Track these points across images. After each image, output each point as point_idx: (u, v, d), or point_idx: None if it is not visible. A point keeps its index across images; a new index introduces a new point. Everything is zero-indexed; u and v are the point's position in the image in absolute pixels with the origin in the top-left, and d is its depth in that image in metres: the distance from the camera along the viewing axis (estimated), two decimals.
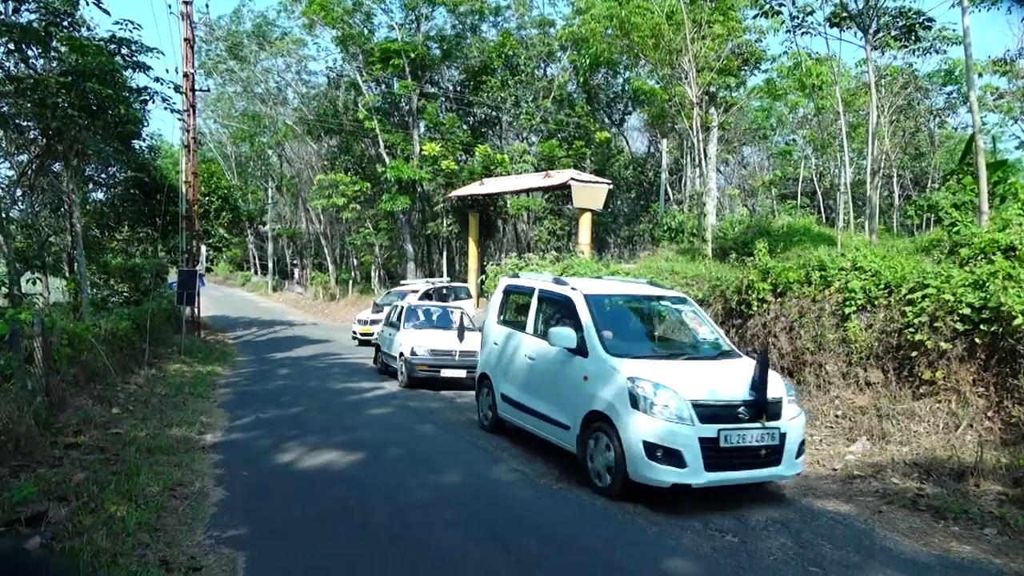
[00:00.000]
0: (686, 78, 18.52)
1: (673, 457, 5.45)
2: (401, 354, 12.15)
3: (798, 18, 14.87)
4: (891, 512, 5.68)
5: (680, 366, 6.23)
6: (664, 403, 5.57)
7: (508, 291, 8.69)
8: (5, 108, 13.09)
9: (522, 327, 7.89)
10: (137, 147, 18.06)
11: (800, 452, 5.92)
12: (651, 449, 5.50)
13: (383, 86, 31.01)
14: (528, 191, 25.07)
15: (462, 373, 11.73)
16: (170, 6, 21.58)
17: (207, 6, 49.38)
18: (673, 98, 21.72)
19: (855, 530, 5.29)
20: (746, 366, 6.16)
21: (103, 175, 19.59)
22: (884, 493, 6.13)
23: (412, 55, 27.53)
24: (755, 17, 16.41)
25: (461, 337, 11.55)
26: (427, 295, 19.61)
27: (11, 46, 12.41)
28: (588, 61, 27.82)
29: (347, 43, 29.24)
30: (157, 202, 19.24)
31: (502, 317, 8.59)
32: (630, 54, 23.24)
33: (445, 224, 30.03)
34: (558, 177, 21.82)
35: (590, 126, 29.35)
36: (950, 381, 7.25)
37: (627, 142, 34.81)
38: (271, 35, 33.55)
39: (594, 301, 6.89)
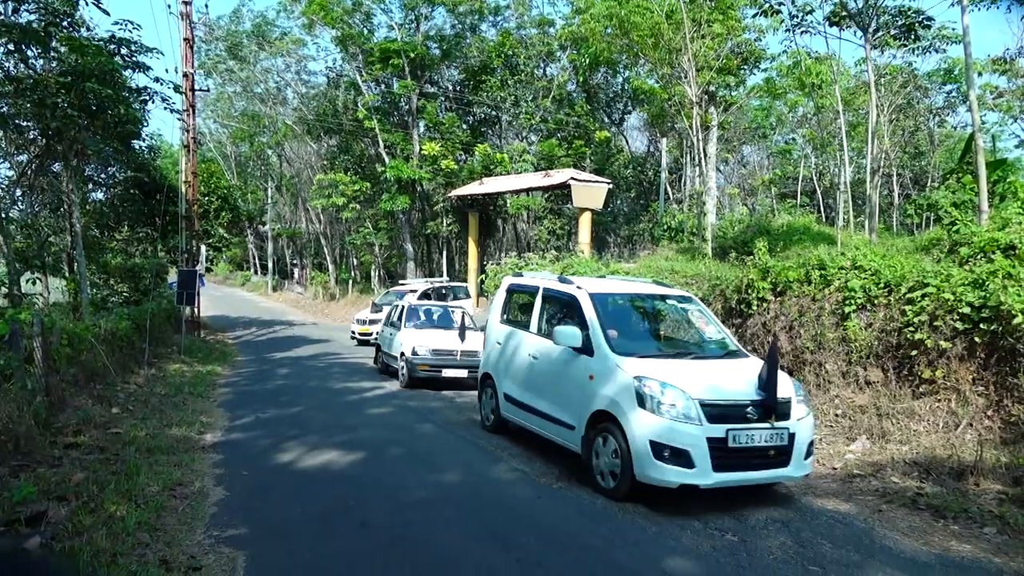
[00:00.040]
0: (686, 77, 18.52)
1: (681, 457, 5.39)
2: (402, 354, 12.12)
3: (797, 17, 14.86)
4: (891, 511, 5.68)
5: (687, 365, 6.17)
6: (671, 402, 5.51)
7: (511, 290, 8.62)
8: (5, 108, 13.10)
9: (526, 326, 7.83)
10: (137, 147, 18.08)
11: (809, 453, 5.86)
12: (658, 449, 5.44)
13: (383, 86, 31.01)
14: (528, 190, 25.06)
15: (464, 373, 11.70)
16: (169, 6, 21.63)
17: (206, 6, 49.58)
18: (673, 97, 21.71)
19: (855, 529, 5.29)
20: (754, 366, 6.11)
21: (103, 175, 19.61)
22: (884, 492, 6.13)
23: (412, 55, 27.53)
24: (754, 16, 16.39)
25: (462, 337, 11.54)
26: (426, 295, 19.60)
27: (11, 46, 12.42)
28: (588, 60, 27.81)
29: (347, 43, 29.24)
30: (157, 202, 19.24)
31: (505, 316, 8.52)
32: (630, 53, 23.23)
33: (445, 224, 30.03)
34: (558, 176, 21.82)
35: (590, 125, 29.34)
36: (950, 380, 7.25)
37: (627, 141, 34.82)
38: (270, 35, 33.54)
39: (599, 300, 6.84)
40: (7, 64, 12.96)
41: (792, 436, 5.66)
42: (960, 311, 7.26)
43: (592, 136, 29.01)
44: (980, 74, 19.56)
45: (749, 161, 36.60)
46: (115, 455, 6.43)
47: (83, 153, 14.69)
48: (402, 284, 23.62)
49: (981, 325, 7.09)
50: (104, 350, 9.76)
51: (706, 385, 5.71)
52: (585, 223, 20.84)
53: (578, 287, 7.11)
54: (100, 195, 20.70)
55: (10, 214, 15.39)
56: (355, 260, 36.86)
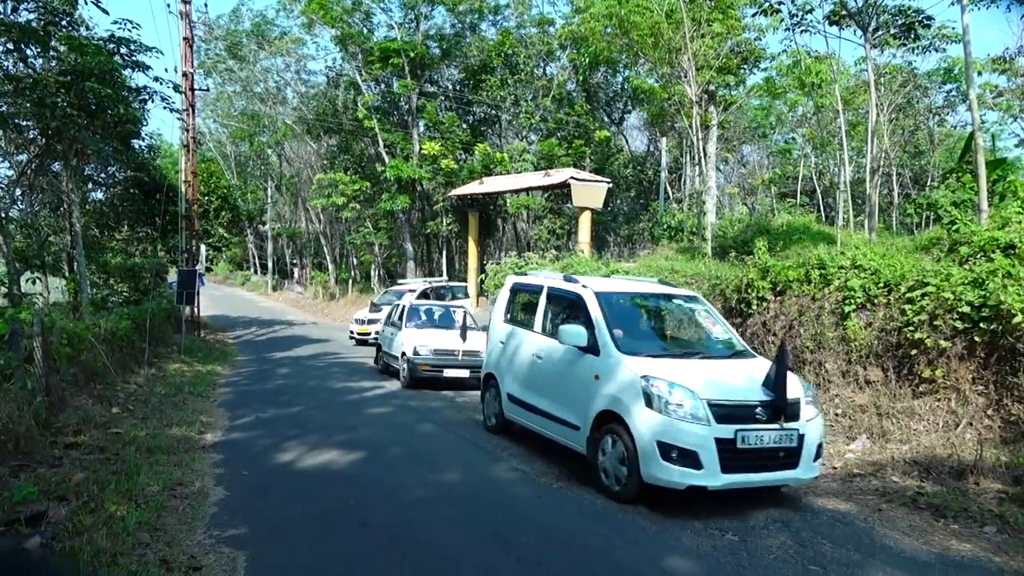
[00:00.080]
0: (685, 77, 18.51)
1: (688, 458, 5.32)
2: (403, 354, 12.09)
3: (797, 16, 14.83)
4: (891, 510, 5.69)
5: (695, 365, 6.10)
6: (679, 402, 5.44)
7: (515, 289, 8.53)
8: (4, 108, 13.08)
9: (530, 326, 7.77)
10: (136, 147, 18.06)
11: (818, 455, 5.79)
12: (666, 449, 5.37)
13: (382, 85, 30.99)
14: (528, 190, 25.04)
15: (465, 373, 11.68)
16: (169, 5, 21.51)
17: (206, 5, 49.65)
18: (672, 97, 21.69)
19: (855, 528, 5.29)
20: (761, 366, 6.06)
21: (102, 175, 19.60)
22: (884, 491, 6.13)
23: (411, 54, 27.52)
24: (754, 15, 16.35)
25: (464, 337, 11.51)
26: (424, 294, 19.59)
27: (10, 45, 12.40)
28: (587, 60, 27.80)
29: (346, 42, 29.23)
30: (157, 202, 19.23)
31: (509, 316, 8.43)
32: (629, 53, 23.22)
33: (445, 223, 30.03)
34: (558, 176, 21.80)
35: (589, 125, 29.33)
36: (950, 379, 7.26)
37: (627, 141, 34.80)
38: (270, 34, 33.54)
39: (605, 299, 6.78)
40: (7, 63, 12.94)
41: (801, 437, 5.59)
42: (960, 310, 7.26)
43: (592, 135, 28.99)
44: (980, 73, 19.54)
45: (749, 160, 36.58)
46: (115, 455, 6.43)
47: (83, 153, 14.68)
48: (400, 284, 23.63)
49: (981, 324, 7.09)
50: (104, 350, 9.76)
51: (714, 385, 5.65)
52: (585, 222, 20.83)
53: (584, 286, 7.05)
54: (100, 195, 20.73)
55: (10, 214, 15.39)
56: (355, 260, 36.86)
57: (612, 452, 5.87)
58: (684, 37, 17.41)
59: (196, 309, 20.14)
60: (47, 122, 12.70)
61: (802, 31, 15.09)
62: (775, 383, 5.56)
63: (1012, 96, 21.26)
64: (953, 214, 10.77)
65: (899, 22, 14.80)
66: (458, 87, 32.24)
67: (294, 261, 47.82)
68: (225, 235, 46.38)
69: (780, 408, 5.52)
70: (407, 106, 30.06)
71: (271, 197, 43.66)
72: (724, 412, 5.45)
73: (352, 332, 20.18)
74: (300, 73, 36.00)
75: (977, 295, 7.20)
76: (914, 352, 7.65)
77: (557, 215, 30.16)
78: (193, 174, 21.58)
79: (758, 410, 5.53)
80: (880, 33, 14.83)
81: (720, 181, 29.75)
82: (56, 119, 12.48)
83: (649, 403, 5.55)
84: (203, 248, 23.98)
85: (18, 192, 15.65)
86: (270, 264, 44.68)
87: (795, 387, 5.79)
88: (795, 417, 5.63)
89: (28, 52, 12.87)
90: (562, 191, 24.22)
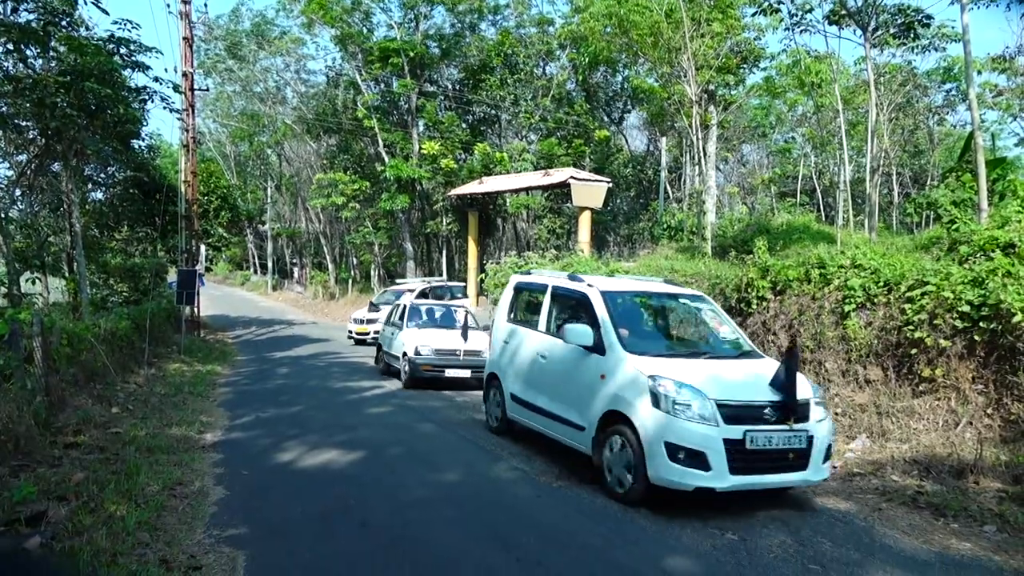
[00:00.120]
0: (685, 76, 18.50)
1: (696, 459, 5.26)
2: (404, 354, 12.06)
3: (797, 16, 14.83)
4: (891, 509, 5.69)
5: (702, 365, 6.04)
6: (687, 402, 5.39)
7: (519, 288, 8.46)
8: (4, 108, 13.08)
9: (533, 325, 7.72)
10: (136, 147, 18.05)
11: (827, 456, 5.73)
12: (673, 450, 5.31)
13: (382, 85, 30.99)
14: (527, 189, 25.04)
15: (467, 373, 11.65)
16: (169, 5, 21.48)
17: (206, 5, 49.62)
18: (672, 96, 21.70)
19: (855, 527, 5.29)
20: (769, 366, 6.01)
21: (102, 175, 19.59)
22: (884, 490, 6.13)
23: (411, 54, 27.51)
24: (754, 15, 16.34)
25: (465, 336, 11.47)
26: (423, 294, 19.58)
27: (10, 46, 12.40)
28: (587, 59, 27.79)
29: (346, 42, 29.22)
30: (156, 202, 19.22)
31: (512, 315, 8.37)
32: (629, 52, 23.22)
33: (444, 223, 30.02)
34: (557, 175, 21.79)
35: (589, 124, 29.32)
36: (949, 378, 7.26)
37: (626, 140, 34.79)
38: (270, 34, 33.52)
39: (611, 298, 6.71)
40: (6, 63, 12.95)
41: (811, 439, 5.54)
42: (960, 309, 7.26)
43: (592, 135, 28.98)
44: (980, 72, 19.53)
45: (749, 160, 36.57)
46: (115, 455, 6.43)
47: (82, 153, 14.68)
48: (399, 283, 23.62)
49: (981, 323, 7.09)
50: (104, 350, 9.76)
51: (722, 385, 5.60)
52: (585, 222, 20.83)
53: (589, 285, 6.98)
54: (100, 195, 20.70)
55: (10, 214, 15.39)
56: (355, 259, 36.85)
57: (618, 453, 5.81)
58: (684, 37, 17.40)
59: (196, 309, 20.14)
60: (47, 122, 12.70)
61: (802, 31, 15.11)
62: (785, 383, 5.51)
63: (1012, 95, 21.26)
64: (953, 213, 10.76)
65: (899, 21, 14.80)
66: (458, 87, 32.23)
67: (294, 261, 47.83)
68: (225, 235, 46.21)
69: (790, 409, 5.47)
70: (407, 106, 30.05)
71: (271, 197, 43.66)
72: (732, 412, 5.39)
73: (351, 332, 20.18)
74: (300, 73, 36.06)
75: (977, 294, 7.20)
76: (914, 351, 7.65)
77: (557, 215, 30.15)
78: (193, 174, 21.57)
79: (767, 411, 5.49)
80: (880, 32, 14.83)
81: (720, 180, 29.74)
82: (56, 119, 12.47)
83: (656, 403, 5.50)
84: (203, 248, 23.91)
85: (18, 192, 15.66)
86: (270, 264, 44.69)
87: (805, 388, 5.74)
88: (804, 418, 5.59)
89: (28, 52, 12.87)
90: (562, 191, 24.22)
